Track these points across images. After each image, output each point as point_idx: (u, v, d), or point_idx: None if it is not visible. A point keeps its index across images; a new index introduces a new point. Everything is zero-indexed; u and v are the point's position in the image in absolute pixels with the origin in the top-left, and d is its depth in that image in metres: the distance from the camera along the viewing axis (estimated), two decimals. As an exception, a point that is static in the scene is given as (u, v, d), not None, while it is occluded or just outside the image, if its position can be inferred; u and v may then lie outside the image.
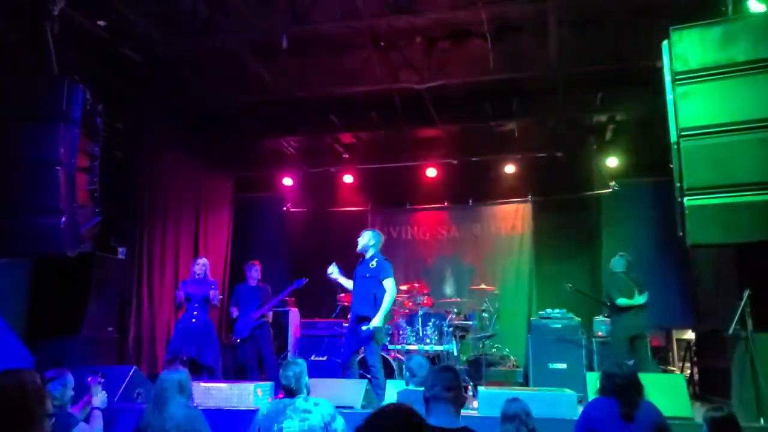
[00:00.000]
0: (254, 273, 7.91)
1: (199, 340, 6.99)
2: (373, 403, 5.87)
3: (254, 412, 5.47)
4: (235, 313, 7.77)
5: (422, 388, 3.01)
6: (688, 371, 7.99)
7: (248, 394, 5.68)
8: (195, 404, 4.05)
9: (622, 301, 7.03)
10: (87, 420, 4.07)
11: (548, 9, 6.30)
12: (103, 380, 4.38)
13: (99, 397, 4.24)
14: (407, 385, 4.62)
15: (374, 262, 6.10)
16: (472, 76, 7.56)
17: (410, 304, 8.30)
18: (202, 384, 5.83)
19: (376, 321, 5.84)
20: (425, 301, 7.99)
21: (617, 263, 7.34)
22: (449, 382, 2.85)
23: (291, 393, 3.80)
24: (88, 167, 5.56)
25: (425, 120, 8.70)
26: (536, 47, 7.06)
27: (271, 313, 8.03)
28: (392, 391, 5.79)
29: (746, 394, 5.27)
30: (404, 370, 4.46)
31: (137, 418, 4.47)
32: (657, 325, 8.00)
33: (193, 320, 7.05)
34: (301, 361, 4.00)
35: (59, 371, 3.81)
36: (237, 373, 7.93)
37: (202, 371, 6.94)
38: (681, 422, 4.89)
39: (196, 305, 7.12)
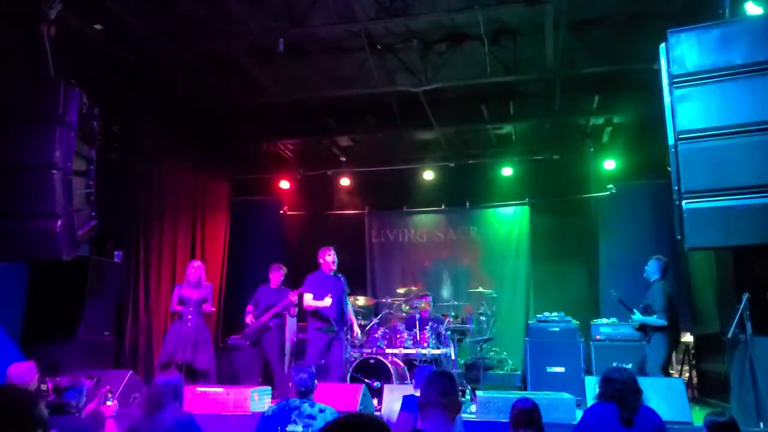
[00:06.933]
0: (276, 276, 7.82)
1: (194, 343, 6.93)
2: (370, 408, 5.86)
3: (251, 416, 5.46)
4: (249, 315, 7.64)
5: None
6: (687, 375, 7.97)
7: (245, 399, 5.64)
8: (186, 409, 4.03)
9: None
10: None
11: (545, 12, 6.30)
12: (110, 389, 4.37)
13: (111, 406, 4.24)
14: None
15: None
16: (469, 78, 7.56)
17: (408, 307, 8.27)
18: (199, 388, 5.79)
19: None
20: (423, 305, 7.96)
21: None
22: (444, 388, 2.72)
23: (305, 395, 3.81)
24: (84, 171, 5.54)
25: (422, 123, 8.69)
26: (533, 50, 7.07)
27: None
28: (390, 397, 5.77)
29: (745, 398, 5.25)
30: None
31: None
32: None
33: (188, 323, 7.01)
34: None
35: (74, 378, 3.78)
36: (231, 378, 7.86)
37: (196, 375, 6.89)
38: (680, 426, 4.90)
39: (191, 309, 7.06)
